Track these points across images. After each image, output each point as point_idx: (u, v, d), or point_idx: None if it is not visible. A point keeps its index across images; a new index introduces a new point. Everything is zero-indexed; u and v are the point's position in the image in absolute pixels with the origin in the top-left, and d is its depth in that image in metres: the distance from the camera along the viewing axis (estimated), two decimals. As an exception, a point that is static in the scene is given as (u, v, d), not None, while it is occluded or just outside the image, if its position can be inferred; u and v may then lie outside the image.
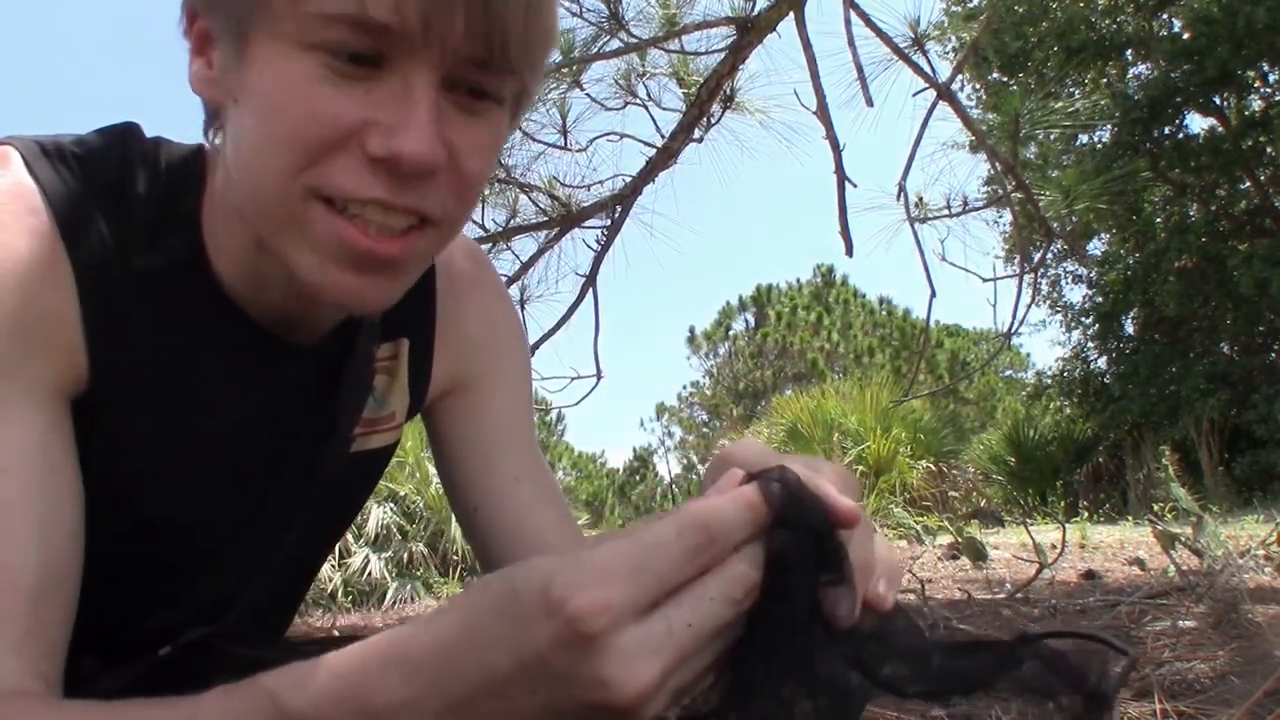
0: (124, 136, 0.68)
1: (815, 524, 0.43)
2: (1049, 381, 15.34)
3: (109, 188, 0.64)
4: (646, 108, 3.28)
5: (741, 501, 0.42)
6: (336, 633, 3.88)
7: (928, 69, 3.03)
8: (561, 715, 0.39)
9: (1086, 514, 8.31)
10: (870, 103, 3.00)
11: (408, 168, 0.55)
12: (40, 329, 0.59)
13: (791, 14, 2.93)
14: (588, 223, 3.24)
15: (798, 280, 24.20)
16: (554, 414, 21.96)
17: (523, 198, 3.25)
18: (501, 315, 0.88)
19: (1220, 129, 12.01)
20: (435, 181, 0.57)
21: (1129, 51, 12.92)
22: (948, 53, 4.04)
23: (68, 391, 0.62)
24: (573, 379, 3.46)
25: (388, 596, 8.48)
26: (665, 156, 3.17)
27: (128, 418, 0.65)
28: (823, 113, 3.06)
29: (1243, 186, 12.35)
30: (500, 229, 3.24)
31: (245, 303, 0.68)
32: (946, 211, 3.40)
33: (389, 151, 0.54)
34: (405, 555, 9.11)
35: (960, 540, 5.24)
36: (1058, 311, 14.56)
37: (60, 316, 0.61)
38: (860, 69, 2.97)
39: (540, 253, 3.27)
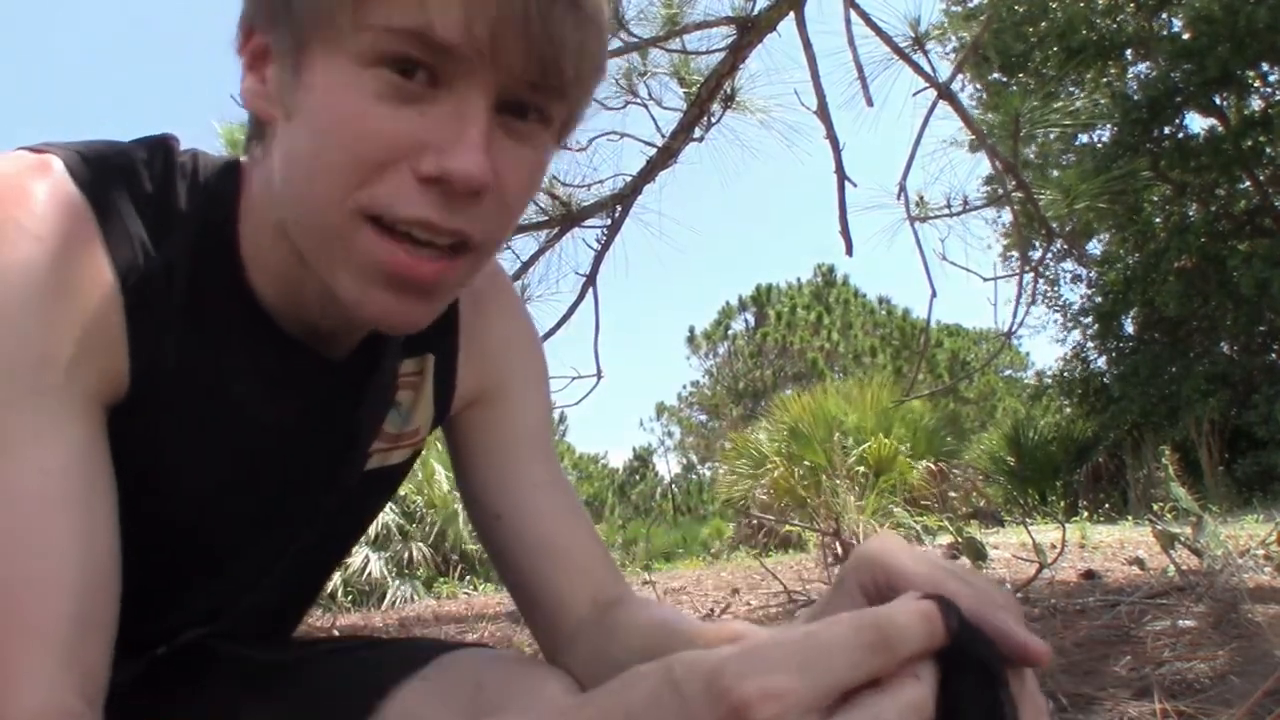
0: (164, 148, 0.68)
1: (987, 657, 0.42)
2: (1049, 381, 15.35)
3: (150, 199, 0.64)
4: (647, 107, 3.28)
5: (918, 613, 0.40)
6: (336, 632, 3.88)
7: (928, 69, 3.03)
8: None
9: (1086, 514, 8.30)
10: (870, 102, 3.01)
11: (459, 186, 0.55)
12: (87, 338, 0.59)
13: (792, 13, 2.93)
14: (588, 222, 3.25)
15: (798, 280, 24.24)
16: (555, 414, 21.95)
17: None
18: (521, 326, 0.89)
19: (1220, 129, 12.01)
20: (481, 204, 0.58)
21: (1129, 51, 12.93)
22: (948, 53, 4.05)
23: (108, 400, 0.61)
24: (573, 379, 3.47)
25: (387, 596, 8.48)
26: (665, 156, 3.17)
27: (158, 424, 0.65)
28: (823, 112, 3.06)
29: (1243, 186, 12.35)
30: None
31: (279, 316, 0.68)
32: (947, 211, 3.40)
33: (440, 170, 0.54)
34: (405, 555, 9.12)
35: (960, 540, 5.24)
36: (1057, 311, 14.58)
37: (106, 326, 0.60)
38: (860, 68, 2.97)
39: (540, 252, 3.28)
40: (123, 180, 0.64)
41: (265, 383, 0.69)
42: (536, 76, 0.55)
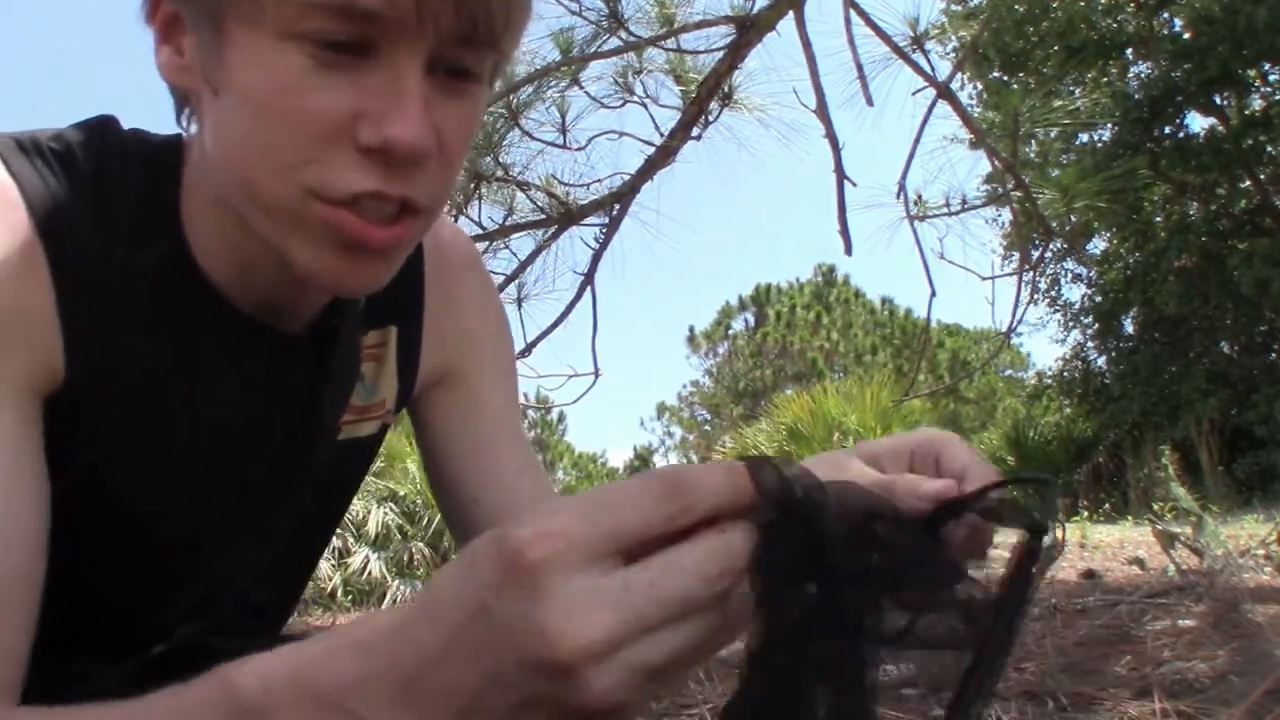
0: (101, 130, 0.67)
1: (814, 517, 0.39)
2: (1049, 381, 15.35)
3: (88, 182, 0.64)
4: (645, 106, 3.28)
5: (720, 470, 0.39)
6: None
7: (927, 68, 3.03)
8: (504, 686, 0.36)
9: (1086, 513, 8.30)
10: (870, 102, 3.00)
11: (402, 154, 0.54)
12: (12, 324, 0.58)
13: (791, 12, 2.93)
14: (586, 221, 3.24)
15: (798, 279, 24.25)
16: (555, 413, 21.98)
17: (520, 195, 3.24)
18: (490, 305, 0.88)
19: (1221, 128, 12.01)
20: (424, 167, 0.57)
21: (1129, 51, 12.92)
22: (948, 52, 4.04)
23: (40, 389, 0.61)
24: (570, 376, 3.47)
25: (387, 596, 8.48)
26: (664, 155, 3.17)
27: (112, 414, 0.64)
28: (822, 111, 3.06)
29: (1243, 186, 12.35)
30: (498, 226, 3.23)
31: (230, 292, 0.67)
32: (946, 210, 3.39)
33: (381, 140, 0.54)
34: (405, 555, 9.11)
35: (960, 540, 5.23)
36: (1057, 311, 14.57)
37: (34, 313, 0.60)
38: (860, 68, 2.96)
39: (538, 251, 3.27)
40: (59, 165, 0.63)
41: (217, 362, 0.68)
42: (467, 33, 0.54)
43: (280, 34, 0.53)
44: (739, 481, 0.39)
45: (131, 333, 0.64)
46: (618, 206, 3.23)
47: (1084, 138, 12.87)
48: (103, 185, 0.64)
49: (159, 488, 0.69)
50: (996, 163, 3.22)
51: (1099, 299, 13.55)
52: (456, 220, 3.17)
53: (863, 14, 2.93)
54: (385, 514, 8.81)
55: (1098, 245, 14.01)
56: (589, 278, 3.26)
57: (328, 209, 0.56)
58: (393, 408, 0.83)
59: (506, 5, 0.55)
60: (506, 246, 3.28)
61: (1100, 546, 5.54)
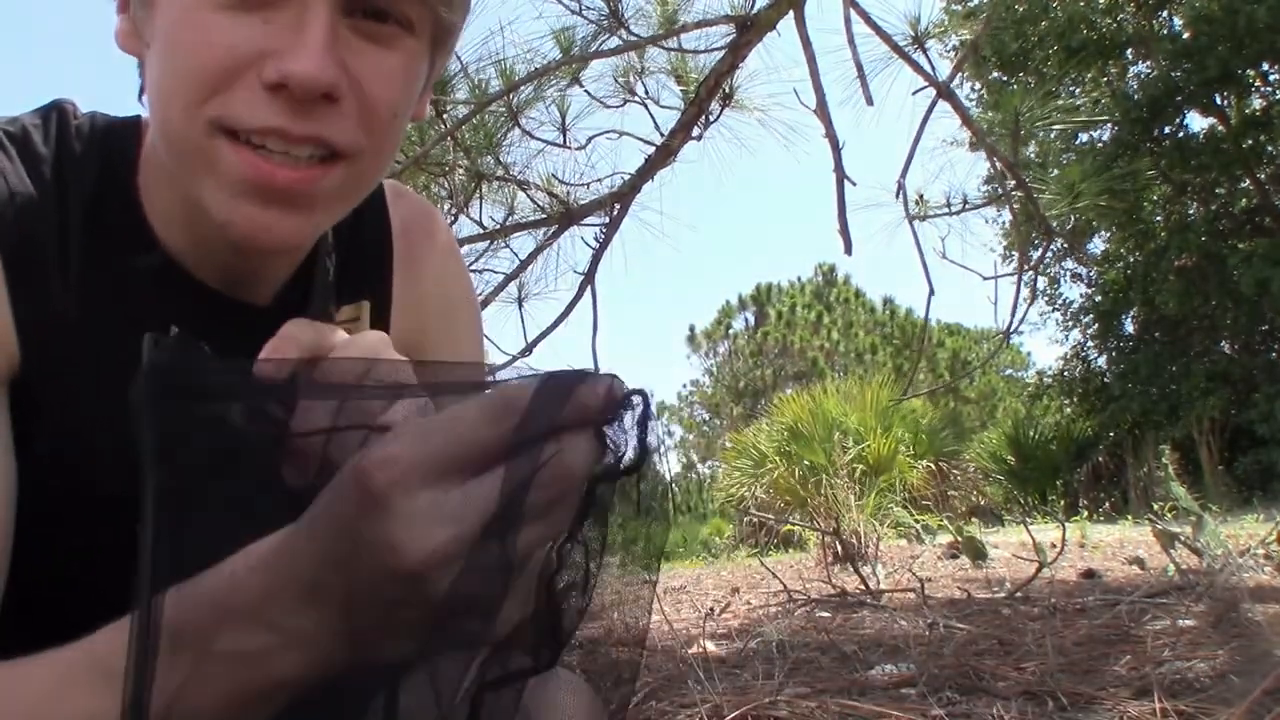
0: (57, 113, 0.67)
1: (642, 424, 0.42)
2: (1049, 381, 15.35)
3: (45, 167, 0.64)
4: (646, 106, 3.27)
5: (545, 383, 0.41)
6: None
7: (928, 68, 3.03)
8: (375, 591, 0.39)
9: (1086, 513, 8.31)
10: (870, 101, 3.00)
11: (298, 90, 0.54)
12: None
13: (791, 12, 2.92)
14: (586, 220, 3.24)
15: (798, 279, 24.24)
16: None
17: (520, 195, 3.24)
18: (456, 274, 0.87)
19: (1220, 128, 12.01)
20: (339, 110, 0.57)
21: (1129, 51, 12.92)
22: (948, 52, 4.05)
23: (2, 373, 0.61)
24: (569, 376, 3.45)
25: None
26: (664, 155, 3.17)
27: (75, 398, 0.64)
28: (822, 111, 3.06)
29: (1243, 185, 12.35)
30: (498, 226, 3.23)
31: (192, 266, 0.67)
32: (946, 209, 3.39)
33: (280, 75, 0.54)
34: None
35: (960, 539, 5.24)
36: (1057, 310, 14.58)
37: None
38: (860, 67, 2.96)
39: (538, 250, 3.27)
40: (14, 149, 0.63)
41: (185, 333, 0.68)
42: None
43: None
44: (569, 403, 0.41)
45: (89, 312, 0.64)
46: (618, 206, 3.22)
47: (1084, 138, 12.88)
48: (60, 169, 0.64)
49: (128, 472, 0.69)
50: (996, 162, 3.22)
51: (1099, 299, 13.55)
52: (456, 220, 3.17)
53: (863, 13, 2.93)
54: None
55: (1098, 245, 14.02)
56: (589, 277, 3.26)
57: (233, 148, 0.57)
58: None
59: None
60: (507, 246, 3.28)
61: (1100, 546, 5.55)
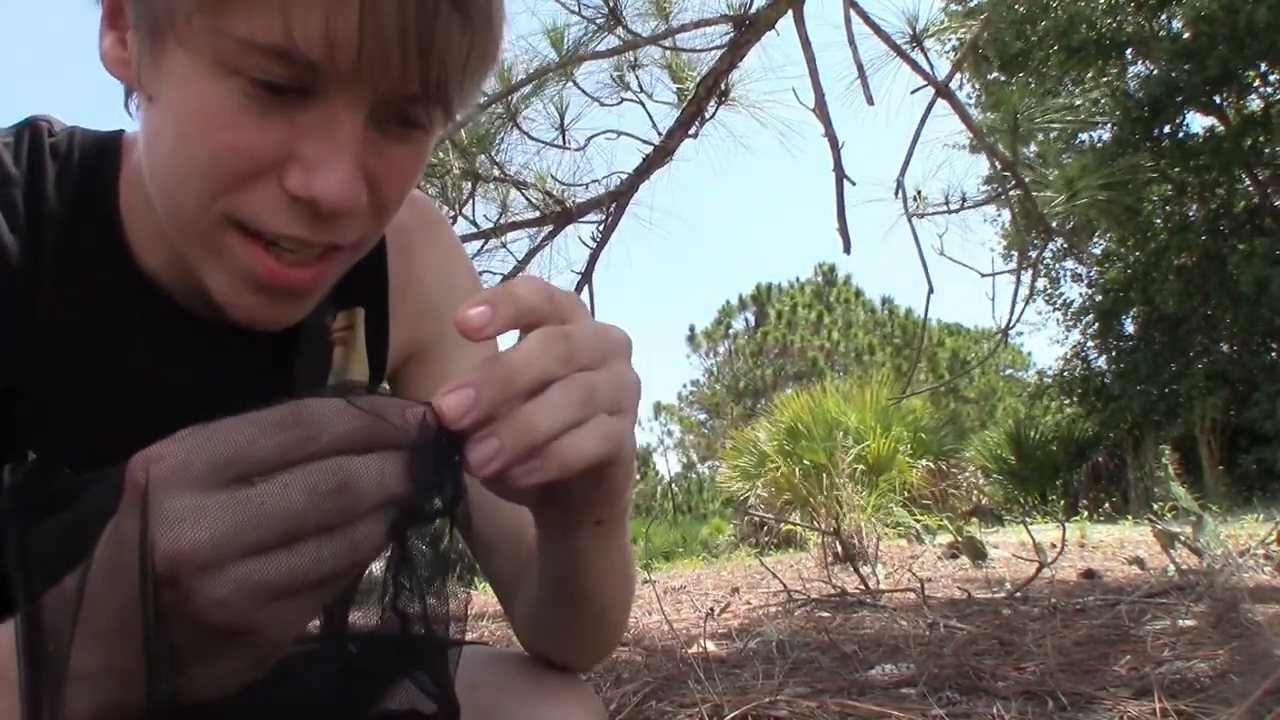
0: (33, 129, 0.66)
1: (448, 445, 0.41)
2: (1049, 381, 15.35)
3: (12, 187, 0.62)
4: (642, 103, 3.27)
5: (343, 406, 0.40)
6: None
7: (926, 67, 3.02)
8: (135, 600, 0.38)
9: (1086, 513, 8.30)
10: (871, 101, 3.00)
11: (327, 210, 0.53)
12: None
13: (790, 11, 2.92)
14: (583, 220, 3.24)
15: (798, 279, 24.25)
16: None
17: (515, 194, 3.23)
18: (458, 273, 0.85)
19: (1220, 128, 12.01)
20: (356, 216, 0.56)
21: (1129, 50, 12.92)
22: (947, 51, 4.04)
23: None
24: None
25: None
26: (662, 154, 3.16)
27: (56, 418, 0.63)
28: (821, 110, 3.05)
29: (1243, 185, 12.35)
30: (493, 225, 3.22)
31: (171, 287, 0.66)
32: (945, 207, 3.39)
33: (308, 194, 0.52)
34: (404, 554, 9.11)
35: (960, 539, 5.24)
36: (1057, 310, 14.58)
37: None
38: (860, 67, 2.96)
39: (535, 250, 3.26)
40: None
41: (164, 359, 0.66)
42: (416, 90, 0.52)
43: (217, 65, 0.51)
44: (366, 419, 0.40)
45: (65, 331, 0.63)
46: (615, 205, 3.22)
47: (1084, 137, 12.87)
48: (34, 186, 0.63)
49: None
50: (996, 162, 3.22)
51: (1099, 298, 13.55)
52: (455, 221, 3.16)
53: (862, 12, 2.93)
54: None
55: (1098, 245, 14.02)
56: (586, 277, 3.25)
57: (244, 243, 0.55)
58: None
59: (464, 65, 0.53)
60: (503, 245, 3.27)
61: (1100, 546, 5.54)
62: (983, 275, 3.53)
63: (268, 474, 0.38)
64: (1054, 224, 3.46)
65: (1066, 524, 4.36)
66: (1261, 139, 11.72)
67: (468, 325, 0.43)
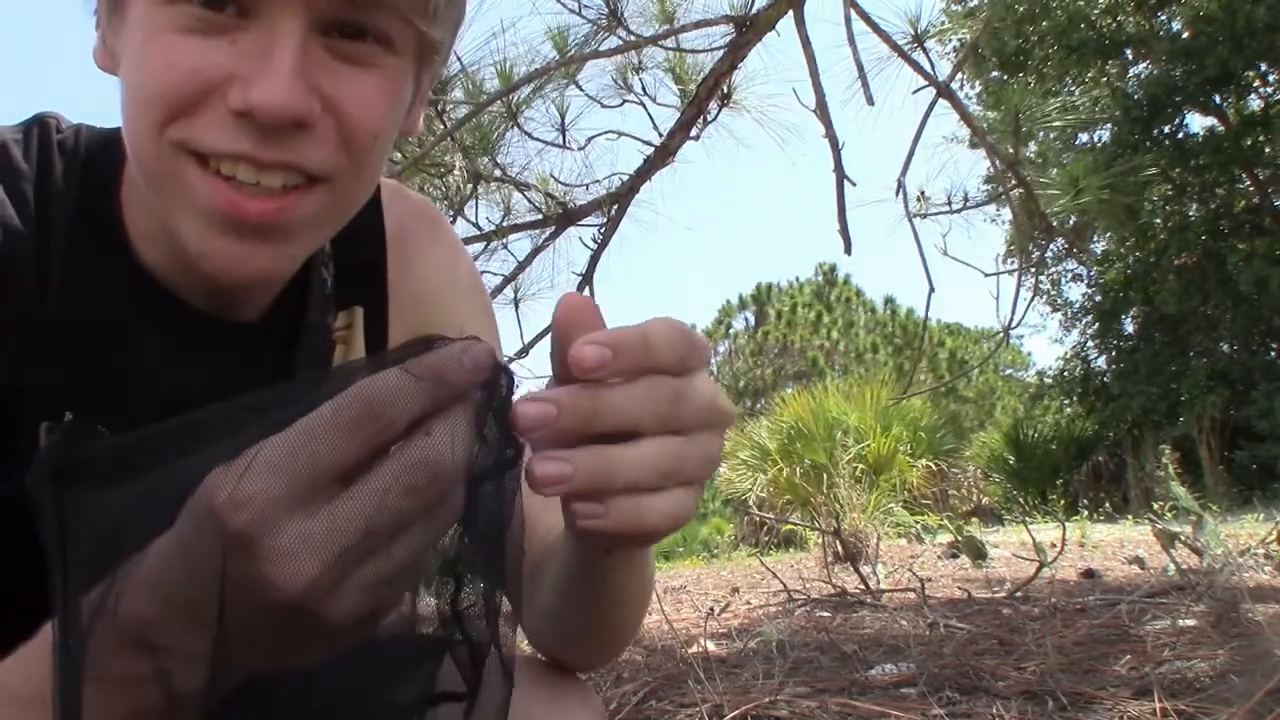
0: (40, 127, 0.66)
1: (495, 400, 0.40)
2: (1049, 381, 15.35)
3: (23, 182, 0.63)
4: (644, 104, 3.27)
5: (411, 379, 0.38)
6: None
7: (927, 67, 3.02)
8: (258, 625, 0.38)
9: (1086, 512, 8.30)
10: (871, 101, 3.00)
11: (265, 119, 0.52)
12: None
13: (791, 12, 2.92)
14: (584, 221, 3.24)
15: (798, 279, 24.25)
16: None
17: (517, 196, 3.23)
18: (457, 272, 0.85)
19: (1220, 128, 12.01)
20: (312, 135, 0.55)
21: (1129, 50, 12.92)
22: (948, 51, 4.04)
23: None
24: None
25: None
26: (663, 155, 3.16)
27: (58, 415, 0.64)
28: (822, 111, 3.05)
29: (1242, 185, 12.35)
30: (495, 227, 3.23)
31: (175, 286, 0.66)
32: (947, 207, 3.39)
33: (245, 103, 0.52)
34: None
35: (960, 539, 5.24)
36: (1058, 309, 14.58)
37: None
38: (861, 67, 2.96)
39: (536, 251, 3.26)
40: None
41: (168, 358, 0.66)
42: None
43: None
44: (429, 379, 0.39)
45: (71, 330, 0.63)
46: (616, 207, 3.22)
47: (1084, 137, 12.87)
48: (41, 184, 0.63)
49: None
50: (997, 161, 3.22)
51: (1099, 298, 13.55)
52: (455, 222, 3.16)
53: (862, 13, 2.93)
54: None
55: (1098, 245, 14.02)
56: (588, 278, 3.26)
57: (201, 175, 0.55)
58: None
59: None
60: (505, 247, 3.27)
61: (1100, 546, 5.54)
62: (985, 274, 3.53)
63: (355, 472, 0.38)
64: (1055, 223, 3.47)
65: (1066, 524, 4.36)
66: (1261, 139, 11.73)
67: (580, 365, 0.42)
